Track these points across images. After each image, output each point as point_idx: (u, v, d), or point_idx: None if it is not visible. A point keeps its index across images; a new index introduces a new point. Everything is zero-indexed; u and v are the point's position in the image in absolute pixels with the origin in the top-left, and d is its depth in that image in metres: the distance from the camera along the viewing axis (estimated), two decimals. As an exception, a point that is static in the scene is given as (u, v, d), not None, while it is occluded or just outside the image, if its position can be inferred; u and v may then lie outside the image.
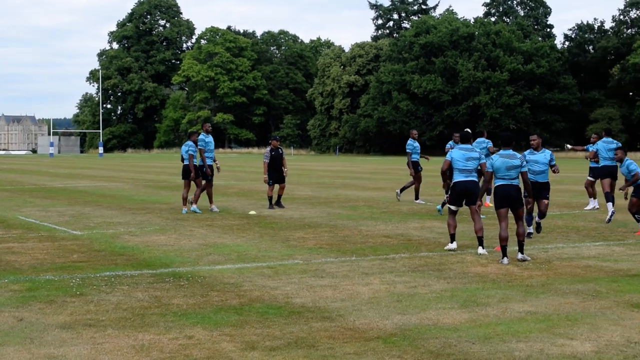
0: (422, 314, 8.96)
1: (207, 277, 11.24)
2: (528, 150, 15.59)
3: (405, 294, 10.06)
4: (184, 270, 11.82)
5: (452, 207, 14.12)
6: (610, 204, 19.20)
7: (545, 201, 15.38)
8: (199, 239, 15.63)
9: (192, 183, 21.27)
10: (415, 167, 23.94)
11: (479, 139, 22.11)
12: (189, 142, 21.26)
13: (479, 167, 13.99)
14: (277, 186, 22.45)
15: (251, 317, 8.83)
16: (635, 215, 16.91)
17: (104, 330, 8.26)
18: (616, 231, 17.12)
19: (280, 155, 22.54)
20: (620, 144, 19.81)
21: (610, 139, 20.14)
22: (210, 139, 21.62)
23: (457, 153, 14.00)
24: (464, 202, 14.06)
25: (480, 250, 13.68)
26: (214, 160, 21.73)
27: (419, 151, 24.15)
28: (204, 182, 21.34)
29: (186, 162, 21.19)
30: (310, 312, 9.07)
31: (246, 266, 12.27)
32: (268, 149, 22.71)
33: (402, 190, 24.69)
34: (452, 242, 14.14)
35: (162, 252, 13.78)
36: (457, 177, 13.93)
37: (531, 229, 15.74)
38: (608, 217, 18.62)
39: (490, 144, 22.17)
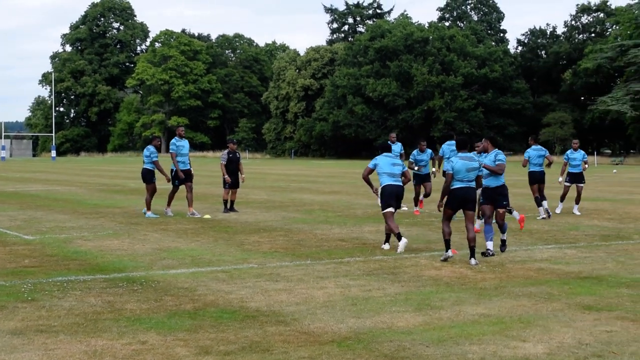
0: (376, 318, 8.98)
1: (161, 282, 11.17)
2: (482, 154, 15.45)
3: (360, 298, 10.09)
4: (137, 275, 11.74)
5: (391, 210, 14.57)
6: (544, 203, 20.98)
7: (501, 210, 14.48)
8: (153, 243, 15.53)
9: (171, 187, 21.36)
10: None
11: (449, 142, 21.98)
12: (150, 148, 21.22)
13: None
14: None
15: (205, 321, 8.79)
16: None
17: (56, 336, 8.17)
18: (568, 234, 17.33)
19: (237, 159, 22.50)
20: (547, 151, 21.94)
21: (539, 147, 21.75)
22: (183, 142, 21.46)
23: (382, 160, 14.71)
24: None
25: (386, 246, 14.74)
26: (189, 165, 21.72)
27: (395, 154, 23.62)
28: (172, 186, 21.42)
29: (145, 166, 21.18)
30: (264, 316, 9.05)
31: (200, 270, 12.21)
32: (225, 151, 22.65)
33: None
34: (400, 240, 14.45)
35: (116, 257, 13.67)
36: (387, 181, 14.58)
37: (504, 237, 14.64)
38: (543, 215, 20.61)
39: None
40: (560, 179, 22.92)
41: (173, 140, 21.38)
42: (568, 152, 22.77)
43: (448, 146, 21.47)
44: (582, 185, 22.52)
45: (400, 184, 14.75)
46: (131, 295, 10.25)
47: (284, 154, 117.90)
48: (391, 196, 14.51)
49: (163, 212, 21.19)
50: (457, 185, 13.26)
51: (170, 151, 21.36)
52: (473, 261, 12.95)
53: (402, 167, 14.79)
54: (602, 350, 7.62)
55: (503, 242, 14.40)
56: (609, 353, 7.54)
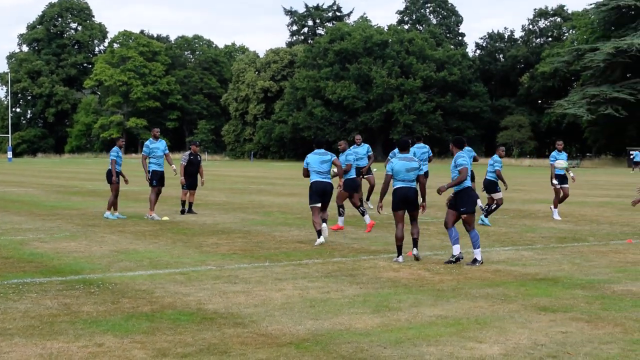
0: (334, 319, 9.00)
1: (118, 284, 11.09)
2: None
3: (318, 300, 10.09)
4: (94, 277, 11.64)
5: (317, 205, 15.71)
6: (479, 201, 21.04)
7: (463, 216, 13.32)
8: (111, 245, 15.41)
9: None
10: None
11: (418, 144, 22.20)
12: (114, 148, 21.14)
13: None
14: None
15: (163, 323, 8.74)
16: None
17: (10, 339, 8.07)
18: (524, 236, 17.48)
19: (198, 162, 22.49)
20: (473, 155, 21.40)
21: (469, 148, 21.25)
22: (157, 144, 21.17)
23: (312, 158, 15.91)
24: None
25: (320, 240, 15.48)
26: (171, 165, 21.57)
27: (358, 157, 23.52)
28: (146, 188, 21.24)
29: (109, 167, 21.14)
30: (222, 318, 9.02)
31: (158, 272, 12.15)
32: (187, 152, 22.64)
33: (367, 198, 23.73)
34: (319, 237, 15.59)
35: (72, 259, 13.55)
36: (314, 178, 15.80)
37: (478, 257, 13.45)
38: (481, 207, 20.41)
39: (430, 152, 22.41)
40: (555, 181, 21.83)
41: (147, 142, 21.31)
42: (554, 153, 22.07)
43: (418, 149, 21.71)
44: (567, 186, 22.05)
45: (328, 180, 15.86)
46: (88, 297, 10.17)
47: (243, 156, 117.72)
48: (317, 193, 15.71)
49: (145, 217, 20.91)
50: (398, 185, 13.55)
51: (142, 153, 21.31)
52: (415, 251, 13.44)
53: (329, 163, 15.86)
54: (557, 351, 7.70)
55: (474, 260, 13.18)
56: (564, 354, 7.62)
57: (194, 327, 8.60)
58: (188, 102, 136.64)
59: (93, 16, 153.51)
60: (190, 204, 22.40)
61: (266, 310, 9.47)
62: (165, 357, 7.44)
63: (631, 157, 76.04)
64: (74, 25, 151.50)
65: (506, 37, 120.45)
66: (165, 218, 20.76)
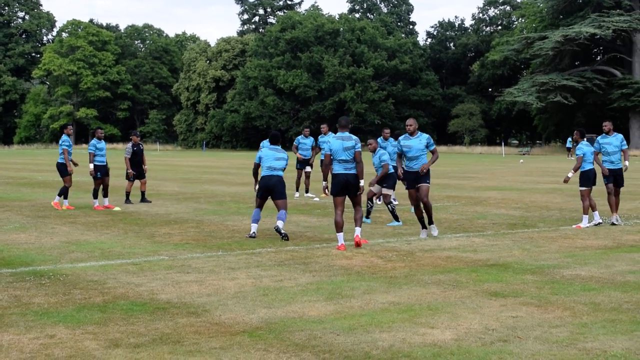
0: (287, 307, 9.02)
1: (69, 275, 10.99)
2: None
3: (271, 288, 10.11)
4: (45, 269, 11.53)
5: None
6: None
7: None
8: (61, 236, 15.27)
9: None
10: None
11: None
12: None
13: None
14: (137, 182, 22.65)
15: (115, 314, 8.69)
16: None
17: (-40, 331, 7.97)
18: (476, 223, 17.64)
19: (141, 151, 22.72)
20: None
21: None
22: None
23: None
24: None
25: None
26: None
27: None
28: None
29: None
30: (175, 307, 9.00)
31: (110, 263, 12.06)
32: (130, 144, 22.68)
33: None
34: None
35: (23, 251, 13.40)
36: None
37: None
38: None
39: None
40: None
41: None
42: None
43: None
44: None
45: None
46: (39, 289, 10.07)
47: (195, 146, 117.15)
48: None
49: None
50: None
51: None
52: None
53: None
54: (507, 335, 7.79)
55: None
56: (514, 338, 7.72)
57: (147, 317, 8.56)
58: (139, 92, 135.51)
59: (41, 5, 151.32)
60: (143, 193, 22.40)
61: (219, 299, 9.46)
62: (118, 347, 7.41)
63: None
64: (21, 14, 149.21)
65: (457, 26, 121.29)
66: (117, 208, 20.62)
